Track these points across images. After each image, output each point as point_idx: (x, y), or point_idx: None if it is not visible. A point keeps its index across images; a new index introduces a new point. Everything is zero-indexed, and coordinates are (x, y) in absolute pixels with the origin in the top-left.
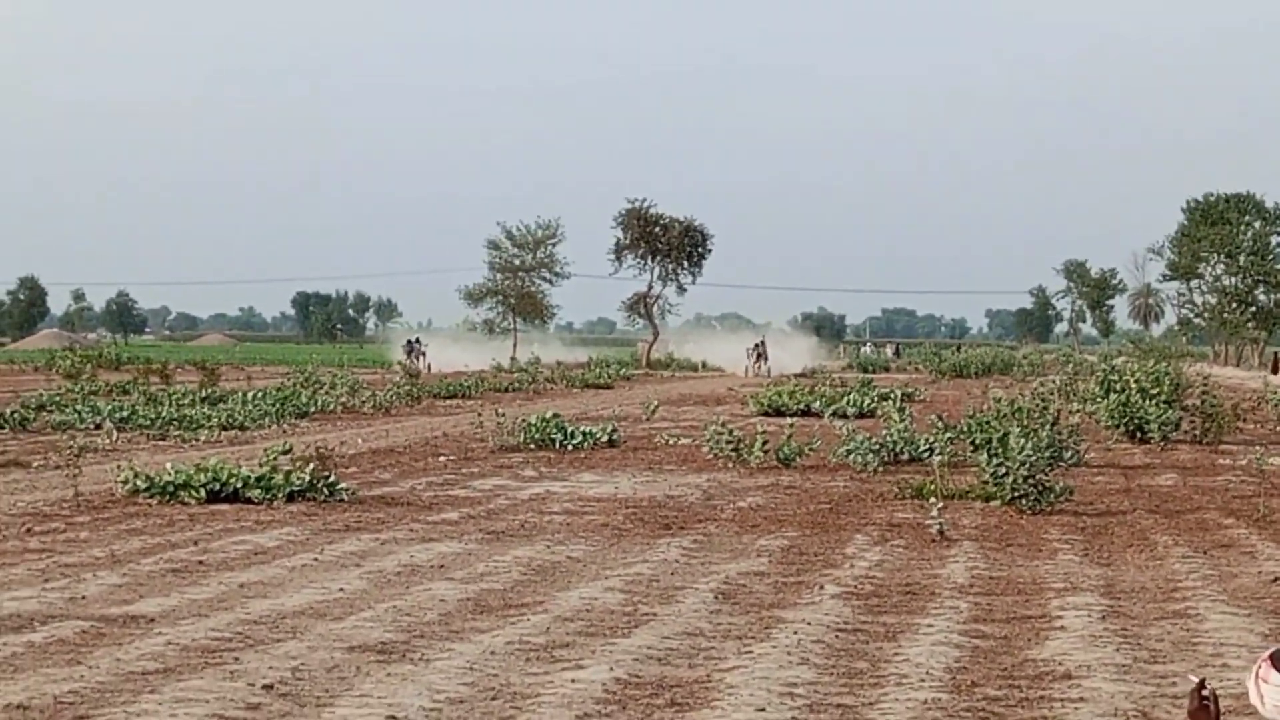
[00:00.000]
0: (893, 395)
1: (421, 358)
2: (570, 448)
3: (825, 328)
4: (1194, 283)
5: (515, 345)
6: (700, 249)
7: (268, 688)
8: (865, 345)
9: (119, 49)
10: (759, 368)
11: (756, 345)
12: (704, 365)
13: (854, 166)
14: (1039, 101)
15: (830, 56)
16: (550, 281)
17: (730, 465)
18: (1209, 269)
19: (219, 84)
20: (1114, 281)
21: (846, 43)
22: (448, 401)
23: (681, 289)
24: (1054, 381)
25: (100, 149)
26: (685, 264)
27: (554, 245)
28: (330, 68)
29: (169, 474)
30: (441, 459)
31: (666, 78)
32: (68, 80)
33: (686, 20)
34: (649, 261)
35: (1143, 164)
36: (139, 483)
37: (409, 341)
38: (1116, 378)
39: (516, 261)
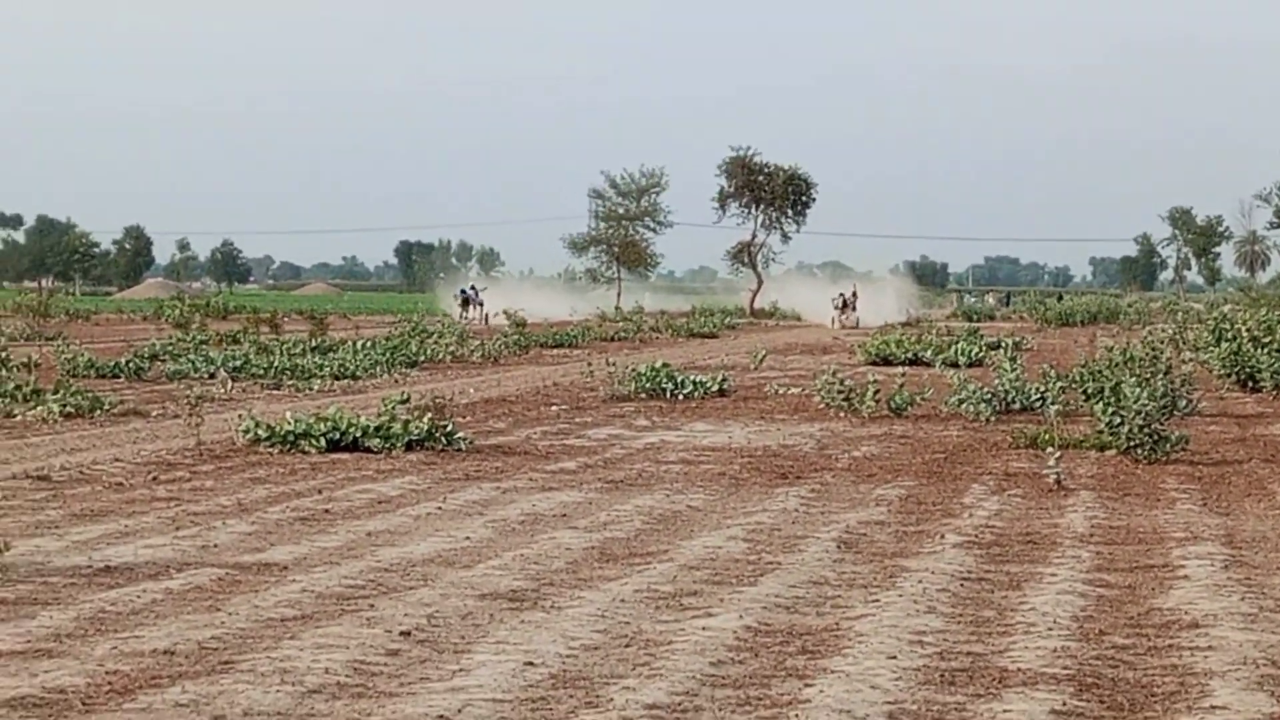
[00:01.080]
0: (1003, 344)
1: (479, 308)
2: (681, 397)
3: (927, 276)
4: None
5: (619, 294)
6: (804, 197)
7: (405, 634)
8: (970, 294)
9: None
10: (846, 318)
11: (842, 294)
12: (788, 315)
13: (957, 112)
14: (1146, 45)
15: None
16: (654, 230)
17: (842, 414)
18: None
19: (325, 41)
20: (1220, 229)
21: None
22: (555, 351)
23: (786, 237)
24: (1165, 330)
25: (204, 99)
26: (789, 212)
27: (658, 194)
28: (428, 23)
29: (289, 423)
30: (554, 408)
31: (767, 29)
32: (185, 32)
33: None
34: (753, 210)
35: (1250, 109)
36: (260, 432)
37: (463, 290)
38: (1228, 326)
39: (620, 210)
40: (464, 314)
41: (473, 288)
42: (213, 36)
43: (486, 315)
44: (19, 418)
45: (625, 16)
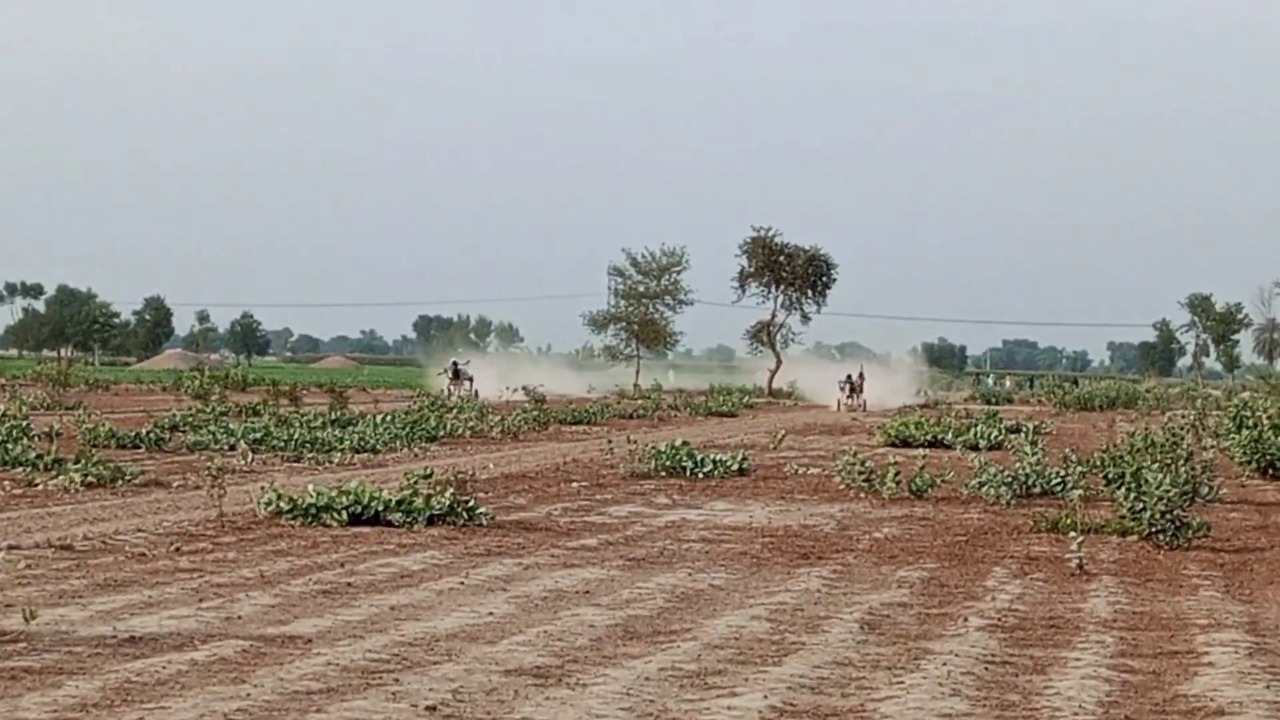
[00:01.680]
0: (1024, 428)
1: (469, 382)
2: (701, 475)
3: (945, 358)
4: None
5: (638, 372)
6: (824, 278)
7: (430, 709)
8: (989, 377)
9: (238, 72)
10: (851, 401)
11: (849, 376)
12: (803, 396)
13: (976, 197)
14: (1165, 132)
15: (951, 82)
16: (673, 309)
17: (862, 496)
18: None
19: (346, 111)
20: (1239, 316)
21: (966, 68)
22: (574, 427)
23: (805, 318)
24: (1185, 416)
25: (225, 172)
26: (809, 293)
27: (679, 273)
28: (451, 95)
29: (311, 496)
30: (574, 485)
31: (791, 106)
32: (192, 104)
33: (807, 50)
34: (773, 290)
35: (1272, 195)
36: (282, 504)
37: (454, 363)
38: (1248, 413)
39: (641, 288)
40: (451, 388)
41: (467, 361)
42: (230, 112)
43: (476, 390)
44: (41, 487)
45: (645, 96)
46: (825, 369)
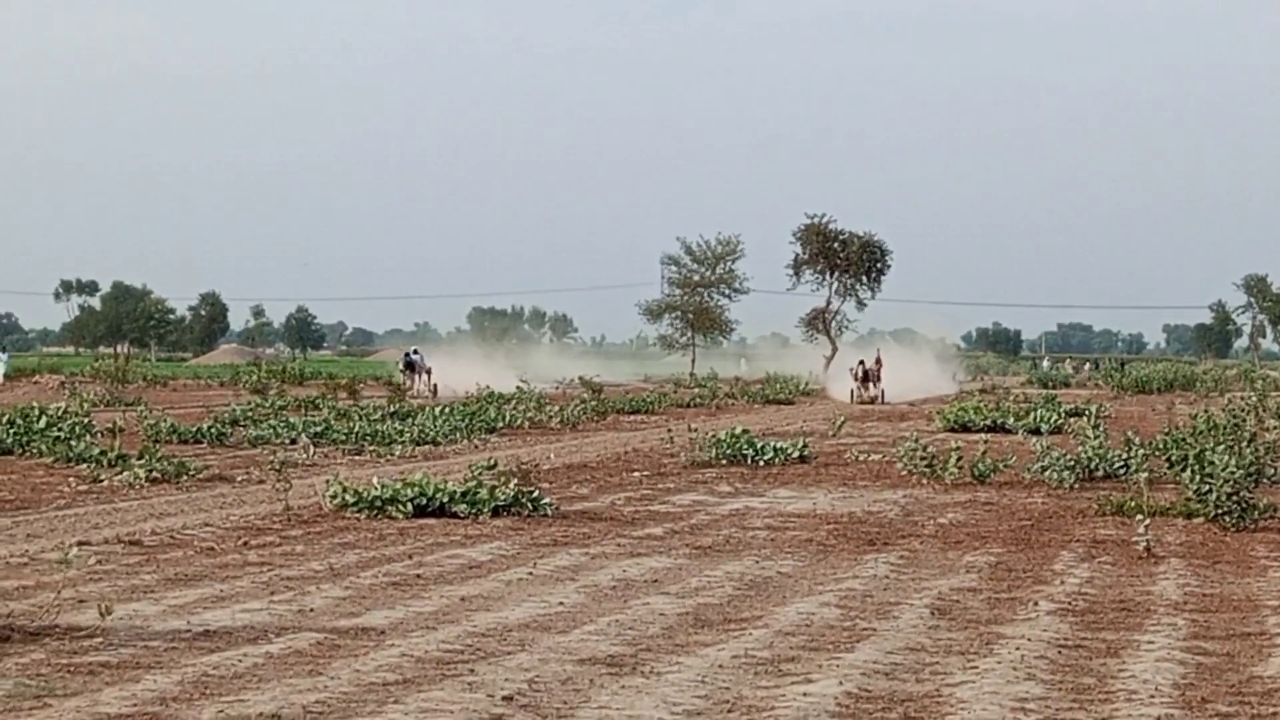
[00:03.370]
0: (1086, 412)
1: (426, 375)
2: (762, 463)
3: (1001, 343)
4: None
5: (694, 360)
6: (879, 264)
7: (507, 699)
8: (1044, 360)
9: (295, 71)
10: (865, 391)
11: (862, 362)
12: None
13: (1032, 180)
14: (1219, 114)
15: (1005, 67)
16: (729, 297)
17: (924, 481)
18: None
19: (396, 108)
20: None
21: (1021, 53)
22: (631, 417)
23: (861, 304)
24: (1246, 398)
25: (277, 171)
26: (864, 279)
27: (734, 261)
28: (500, 89)
29: (376, 488)
30: (636, 474)
31: (847, 94)
32: (245, 105)
33: (858, 40)
34: (827, 277)
35: None
36: (347, 497)
37: (407, 355)
38: None
39: (695, 277)
40: (407, 381)
41: (416, 352)
42: (282, 111)
43: (435, 385)
44: (106, 483)
45: (692, 86)
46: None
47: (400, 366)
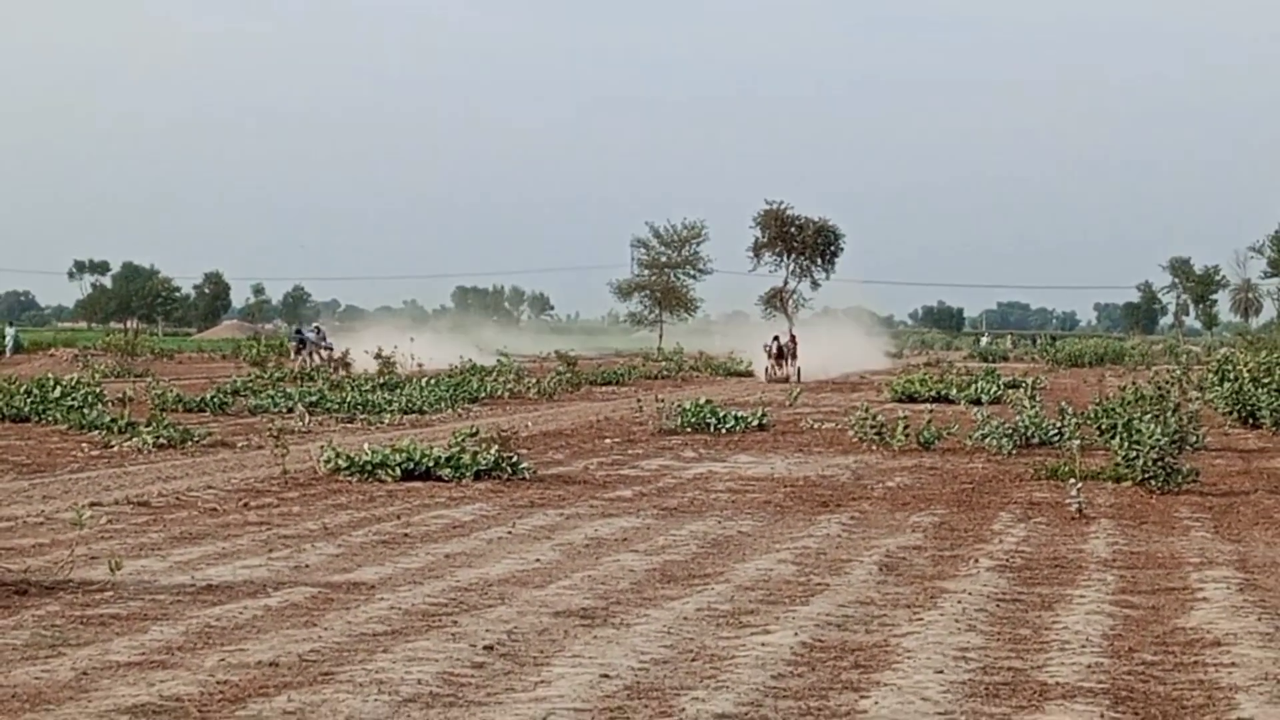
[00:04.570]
0: (1023, 384)
1: (327, 351)
2: (724, 431)
3: (944, 319)
4: None
5: (661, 336)
6: (833, 247)
7: (488, 648)
8: (984, 337)
9: (300, 59)
10: (778, 369)
11: (776, 338)
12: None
13: (973, 169)
14: (1145, 110)
15: (950, 66)
16: (694, 277)
17: (874, 448)
18: None
19: (391, 96)
20: (1217, 277)
21: (964, 50)
22: (604, 388)
23: (815, 284)
24: (1171, 371)
25: (277, 157)
26: (819, 261)
27: (698, 244)
28: (483, 80)
29: (367, 454)
30: (607, 441)
31: (800, 92)
32: (246, 92)
33: (811, 43)
34: (785, 259)
35: (1244, 166)
36: (340, 462)
37: (298, 331)
38: (1230, 367)
39: (663, 259)
40: (297, 357)
41: (315, 328)
42: (280, 100)
43: (337, 364)
44: (116, 448)
45: (665, 81)
46: (834, 329)
47: (292, 342)
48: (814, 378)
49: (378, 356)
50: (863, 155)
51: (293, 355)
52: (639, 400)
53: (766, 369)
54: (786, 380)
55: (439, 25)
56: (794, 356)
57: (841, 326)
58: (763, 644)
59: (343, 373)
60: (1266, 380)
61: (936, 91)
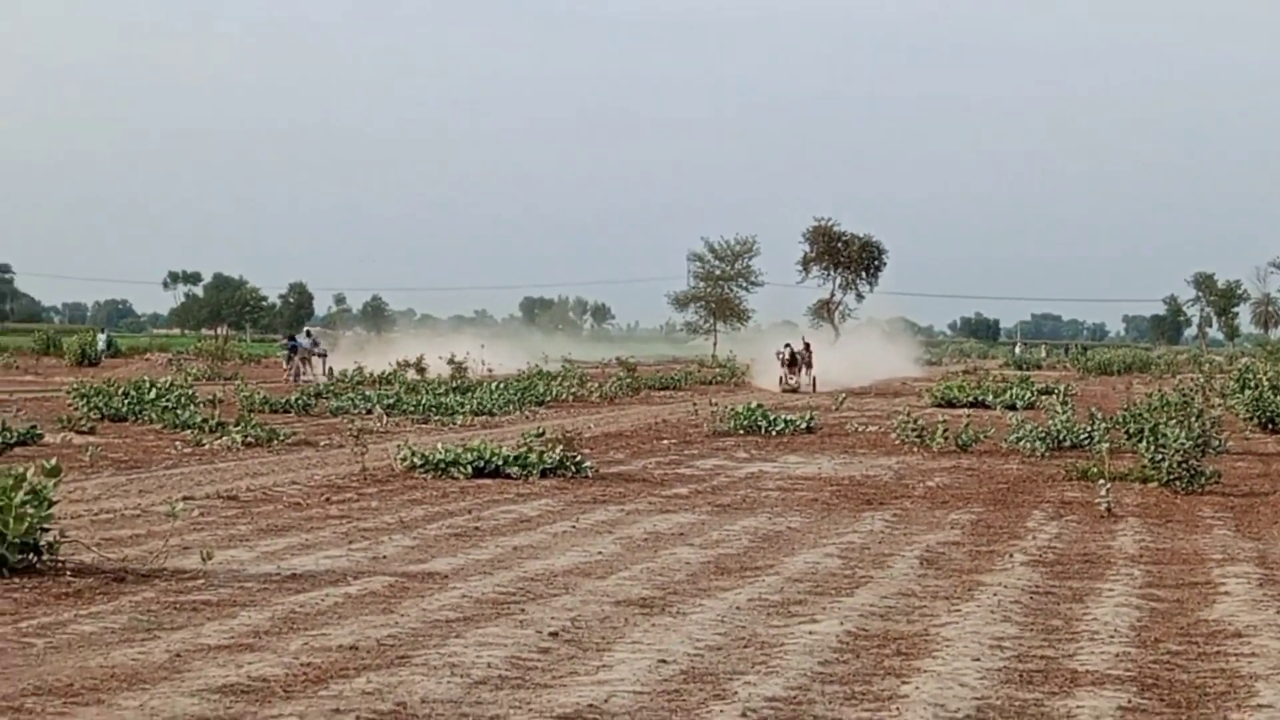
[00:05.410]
0: (1054, 390)
1: (319, 362)
2: (774, 433)
3: (981, 330)
4: None
5: (715, 344)
6: (876, 262)
7: (554, 634)
8: (1018, 346)
9: (364, 76)
10: (793, 378)
11: (789, 346)
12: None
13: (1011, 188)
14: (1172, 132)
15: (982, 83)
16: (746, 289)
17: (915, 449)
18: None
19: (468, 115)
20: (1238, 291)
21: (995, 71)
22: (661, 393)
23: (860, 296)
24: (1194, 379)
25: (357, 176)
26: (863, 275)
27: (750, 258)
28: (550, 101)
29: (440, 452)
30: (665, 442)
31: (849, 107)
32: (332, 113)
33: (861, 62)
34: (831, 272)
35: (1266, 187)
36: (415, 460)
37: (291, 338)
38: (1250, 376)
39: (717, 271)
40: (288, 366)
41: (307, 333)
42: (365, 122)
43: (330, 369)
44: (207, 446)
45: (716, 101)
46: (877, 340)
47: (284, 350)
48: (843, 385)
49: (451, 362)
50: (907, 174)
51: (285, 363)
52: (694, 404)
53: (780, 378)
54: (797, 390)
55: (509, 53)
56: (809, 365)
57: (869, 336)
58: (810, 632)
59: (325, 379)
60: None
61: (978, 117)
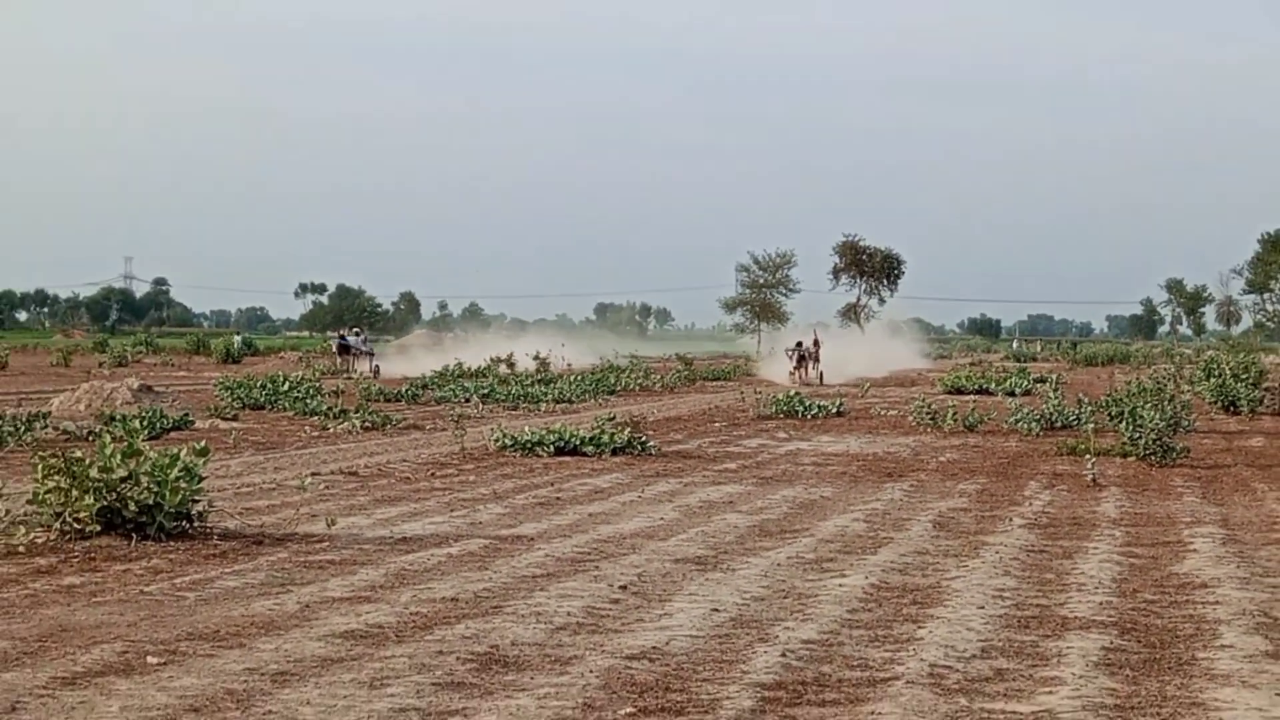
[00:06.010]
0: (1047, 379)
1: (369, 358)
2: (809, 417)
3: (985, 329)
4: (1266, 295)
5: (759, 342)
6: (897, 271)
7: (623, 587)
8: (1014, 342)
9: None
10: (802, 373)
11: (799, 342)
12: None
13: (1012, 203)
14: (1152, 153)
15: (1002, 122)
16: (785, 295)
17: (928, 430)
18: (1278, 285)
19: (558, 164)
20: (1204, 294)
21: (1000, 110)
22: (714, 383)
23: (882, 300)
24: (1166, 370)
25: (458, 200)
26: (885, 282)
27: (789, 268)
28: (624, 142)
29: (528, 435)
30: (716, 424)
31: (879, 138)
32: (432, 156)
33: (883, 97)
34: (857, 280)
35: (1227, 205)
36: (506, 441)
37: (341, 336)
38: (1215, 366)
39: (760, 280)
40: (341, 363)
41: (355, 332)
42: (464, 148)
43: (377, 367)
44: (331, 430)
45: (754, 131)
46: (890, 339)
47: (333, 348)
48: (863, 376)
49: (536, 358)
50: (925, 196)
51: (338, 362)
52: (741, 393)
53: (790, 373)
54: (810, 382)
55: (598, 84)
56: (816, 360)
57: (886, 334)
58: (840, 585)
59: (371, 375)
60: (1244, 376)
61: (985, 150)
